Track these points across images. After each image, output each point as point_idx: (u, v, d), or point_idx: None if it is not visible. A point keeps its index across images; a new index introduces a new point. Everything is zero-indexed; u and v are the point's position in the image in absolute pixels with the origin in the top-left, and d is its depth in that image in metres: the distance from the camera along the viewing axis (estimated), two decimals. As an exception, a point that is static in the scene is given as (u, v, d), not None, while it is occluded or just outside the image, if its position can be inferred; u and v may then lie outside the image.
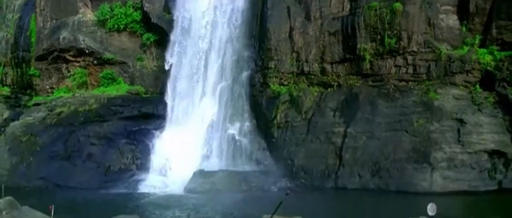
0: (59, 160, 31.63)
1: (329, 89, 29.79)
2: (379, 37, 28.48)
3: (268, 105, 30.06)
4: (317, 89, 30.01)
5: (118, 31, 35.95)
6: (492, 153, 25.30)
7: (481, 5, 28.07)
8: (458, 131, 25.69)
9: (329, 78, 29.79)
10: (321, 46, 29.78)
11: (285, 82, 30.33)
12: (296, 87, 30.07)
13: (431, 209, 12.95)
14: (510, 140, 25.54)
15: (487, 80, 27.35)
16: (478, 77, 27.63)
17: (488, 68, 27.27)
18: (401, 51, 28.12)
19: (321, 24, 29.92)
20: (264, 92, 30.49)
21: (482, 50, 27.82)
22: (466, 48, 28.04)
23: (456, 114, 26.20)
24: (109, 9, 35.87)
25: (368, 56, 28.60)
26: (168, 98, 32.80)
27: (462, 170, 24.91)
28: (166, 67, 33.53)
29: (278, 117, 29.42)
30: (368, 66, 28.78)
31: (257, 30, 31.56)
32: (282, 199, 12.20)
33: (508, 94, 26.25)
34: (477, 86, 27.40)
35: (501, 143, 25.44)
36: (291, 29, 30.10)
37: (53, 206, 14.53)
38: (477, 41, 28.05)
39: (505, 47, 27.46)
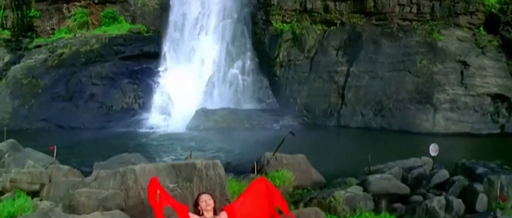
0: (61, 101, 31.19)
1: (332, 27, 29.25)
2: (382, -23, 27.92)
3: (270, 44, 29.59)
4: (320, 28, 29.45)
5: None
6: (495, 97, 25.18)
7: None
8: (462, 73, 25.51)
9: (332, 16, 29.16)
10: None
11: (288, 20, 29.71)
12: (299, 25, 29.50)
13: (433, 149, 12.84)
14: (514, 85, 25.36)
15: (491, 23, 26.94)
16: (482, 20, 27.22)
17: (493, 10, 26.80)
18: (407, -11, 27.61)
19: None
20: (266, 31, 29.95)
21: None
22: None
23: (460, 56, 25.93)
24: None
25: (372, -6, 28.01)
26: (170, 36, 32.05)
27: (465, 112, 24.81)
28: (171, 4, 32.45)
29: (280, 55, 29.03)
30: (372, 4, 28.22)
31: (260, -34, 30.69)
32: (284, 137, 12.11)
33: (512, 38, 25.92)
34: (481, 28, 27.01)
35: (505, 87, 25.29)
36: (290, -35, 29.39)
37: (55, 147, 14.44)
38: (481, -19, 27.44)
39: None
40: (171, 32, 32.08)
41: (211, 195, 7.98)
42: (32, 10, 36.40)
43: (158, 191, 7.12)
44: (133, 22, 35.03)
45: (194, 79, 29.92)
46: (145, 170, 9.45)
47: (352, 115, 26.20)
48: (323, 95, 27.41)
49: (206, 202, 7.65)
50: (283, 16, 29.74)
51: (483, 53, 26.00)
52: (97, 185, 9.92)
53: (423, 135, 23.24)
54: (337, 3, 29.11)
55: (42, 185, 11.69)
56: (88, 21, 35.50)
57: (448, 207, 10.65)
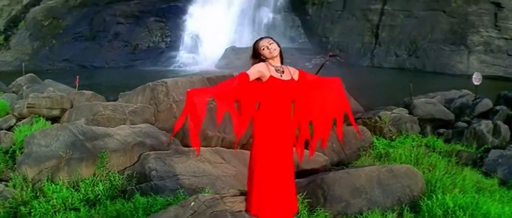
0: (83, 41, 30.60)
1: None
2: None
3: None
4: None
5: None
6: (530, 40, 24.27)
7: None
8: (495, 15, 24.43)
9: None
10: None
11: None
12: (333, -37, 28.29)
13: (476, 78, 12.76)
14: (549, 29, 24.31)
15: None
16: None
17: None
18: None
19: None
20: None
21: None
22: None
23: (494, -3, 24.83)
24: None
25: None
26: None
27: (499, 55, 23.94)
28: None
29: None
30: None
31: None
32: (325, 60, 11.47)
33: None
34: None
35: (541, 30, 24.30)
36: None
37: (78, 77, 14.01)
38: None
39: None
40: None
41: (272, 39, 6.17)
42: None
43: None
44: None
45: (223, 18, 28.95)
46: (178, 83, 8.98)
47: (386, 54, 25.48)
48: (357, 34, 26.64)
49: (268, 47, 5.94)
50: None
51: None
52: (124, 101, 9.49)
53: (457, 76, 22.47)
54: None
55: (63, 110, 10.95)
56: None
57: (496, 131, 10.43)
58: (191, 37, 29.11)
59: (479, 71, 22.99)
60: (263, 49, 5.95)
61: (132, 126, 7.93)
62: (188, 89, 5.19)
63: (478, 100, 12.20)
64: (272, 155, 5.80)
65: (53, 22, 31.71)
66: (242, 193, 6.11)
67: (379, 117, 10.14)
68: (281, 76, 5.85)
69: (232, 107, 5.62)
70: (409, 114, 11.09)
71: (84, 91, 12.26)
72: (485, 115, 11.64)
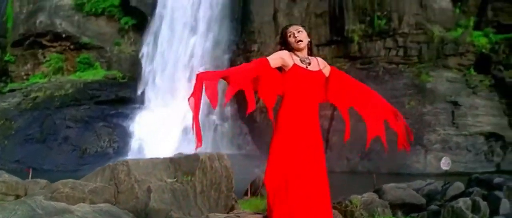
0: (34, 143, 29.78)
1: (316, 71, 26.79)
2: (368, 18, 25.96)
3: (250, 89, 27.11)
4: (302, 72, 27.00)
5: (96, 15, 33.55)
6: (489, 136, 23.02)
7: (476, -14, 25.81)
8: (452, 113, 23.33)
9: (315, 60, 26.84)
10: (306, 28, 26.95)
11: (269, 66, 27.37)
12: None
13: (445, 163, 12.59)
14: (508, 123, 23.24)
15: (482, 63, 24.89)
16: (472, 60, 25.19)
17: (483, 50, 24.87)
18: (391, 33, 25.63)
19: (307, 5, 27.29)
20: (246, 75, 27.52)
21: (477, 32, 25.43)
22: (460, 31, 25.60)
23: (450, 96, 23.82)
24: None
25: (356, 38, 26.06)
26: (147, 82, 30.63)
27: (458, 152, 22.53)
28: (144, 52, 31.42)
29: (260, 101, 26.35)
30: (357, 48, 26.21)
31: (240, 13, 29.05)
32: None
33: (505, 77, 23.76)
34: (472, 69, 24.95)
35: (498, 126, 23.19)
36: (276, 11, 27.46)
37: (30, 169, 12.49)
38: (471, 23, 25.64)
39: (501, 30, 25.04)
40: (148, 79, 30.68)
41: (302, 27, 5.43)
42: (7, 54, 34.85)
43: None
44: (109, 68, 33.45)
45: (171, 124, 27.86)
46: (139, 163, 8.53)
47: (337, 159, 23.50)
48: (305, 140, 24.65)
49: (295, 34, 5.17)
50: (263, 62, 27.34)
51: (474, 93, 23.90)
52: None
53: (414, 175, 20.75)
54: (320, 48, 27.06)
55: (18, 197, 9.51)
56: (63, 67, 33.97)
57: (475, 207, 9.79)
58: (138, 143, 28.06)
59: (438, 168, 21.32)
60: (290, 35, 5.33)
61: (92, 205, 7.18)
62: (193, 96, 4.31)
63: (448, 185, 11.61)
64: (299, 161, 4.92)
65: (6, 123, 31.31)
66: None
67: (350, 201, 9.35)
68: (307, 67, 5.18)
69: (248, 85, 4.79)
70: (379, 198, 10.32)
71: (39, 180, 10.98)
72: (458, 198, 10.64)
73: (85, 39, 33.26)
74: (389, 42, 25.74)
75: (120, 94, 31.20)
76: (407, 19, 25.58)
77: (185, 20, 29.86)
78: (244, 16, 28.34)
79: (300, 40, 4.90)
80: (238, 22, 28.95)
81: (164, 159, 8.75)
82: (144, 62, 31.41)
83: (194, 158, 8.27)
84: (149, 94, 30.23)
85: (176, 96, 28.99)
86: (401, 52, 25.71)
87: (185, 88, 28.81)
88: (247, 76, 4.88)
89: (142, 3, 32.13)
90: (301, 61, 5.14)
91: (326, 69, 5.10)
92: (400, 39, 25.55)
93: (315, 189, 4.90)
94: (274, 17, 27.45)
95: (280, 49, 5.33)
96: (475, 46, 25.03)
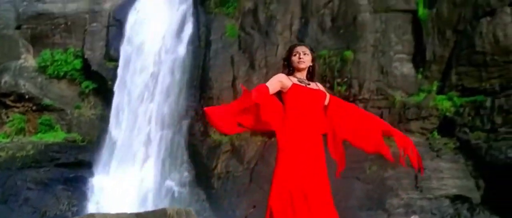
0: None
1: (273, 138, 25.58)
2: (328, 85, 25.09)
3: (208, 155, 26.42)
4: (261, 139, 26.24)
5: (58, 78, 33.17)
6: (455, 199, 21.84)
7: (439, 52, 25.15)
8: (416, 177, 22.09)
9: (273, 127, 26.09)
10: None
11: (227, 132, 26.57)
12: (238, 136, 26.29)
13: None
14: (475, 185, 22.11)
15: (446, 126, 24.06)
16: (435, 124, 24.35)
17: (447, 114, 24.23)
18: (351, 99, 24.63)
19: (266, 72, 26.50)
20: (204, 142, 26.89)
21: (440, 96, 24.69)
22: (422, 95, 24.99)
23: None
24: (51, 55, 33.17)
25: (316, 104, 25.39)
26: (106, 146, 29.85)
27: (422, 216, 21.03)
28: (103, 116, 31.06)
29: (218, 167, 25.75)
30: (316, 115, 25.43)
31: (199, 80, 28.51)
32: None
33: (470, 139, 22.88)
34: (435, 132, 24.10)
35: (465, 188, 22.04)
36: (234, 78, 26.85)
37: None
38: (434, 88, 25.05)
39: (466, 93, 24.35)
40: (108, 142, 29.82)
41: (309, 48, 5.88)
42: (-31, 114, 34.00)
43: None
44: (69, 131, 32.68)
45: (129, 189, 26.98)
46: (106, 217, 8.72)
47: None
48: (265, 206, 23.34)
49: (299, 54, 5.54)
50: (222, 128, 26.57)
51: (438, 156, 22.86)
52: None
53: None
54: (279, 114, 26.28)
55: None
56: (25, 127, 33.18)
57: None
58: (96, 207, 26.95)
59: (401, 233, 20.48)
60: (295, 54, 5.63)
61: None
62: None
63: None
64: (304, 179, 5.00)
65: (-32, 183, 29.87)
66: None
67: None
68: (306, 86, 5.43)
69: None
70: None
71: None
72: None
73: (47, 101, 32.73)
74: (349, 108, 25.12)
75: (80, 158, 30.57)
76: (367, 85, 25.02)
77: (145, 85, 29.32)
78: (203, 82, 27.71)
79: (302, 61, 4.77)
80: (197, 89, 28.31)
81: (131, 214, 8.75)
82: (103, 126, 30.78)
83: (162, 212, 8.28)
84: (108, 159, 29.37)
85: (134, 161, 28.12)
86: (361, 118, 25.01)
87: (142, 154, 28.18)
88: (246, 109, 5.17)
89: (103, 68, 31.80)
90: (299, 81, 5.43)
91: (326, 94, 5.00)
92: (360, 105, 24.47)
93: (321, 206, 5.15)
94: (233, 84, 26.80)
95: (283, 64, 5.77)
96: (439, 110, 24.21)
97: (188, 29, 29.21)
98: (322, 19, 26.48)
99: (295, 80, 5.60)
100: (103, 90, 31.70)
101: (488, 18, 23.92)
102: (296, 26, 27.04)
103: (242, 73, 27.01)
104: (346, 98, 24.76)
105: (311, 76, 5.92)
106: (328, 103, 5.73)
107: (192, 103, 28.47)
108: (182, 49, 29.04)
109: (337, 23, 26.31)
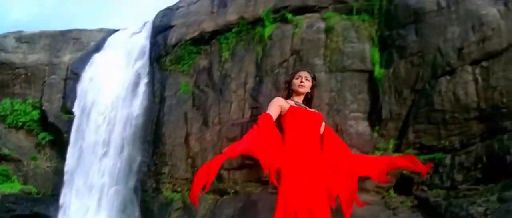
0: None
1: (225, 196, 25.47)
2: (284, 142, 25.42)
3: (160, 212, 25.84)
4: (212, 197, 25.62)
5: (16, 128, 33.09)
6: (414, 256, 21.34)
7: (396, 110, 24.91)
8: None
9: (225, 185, 25.46)
10: (218, 152, 26.20)
11: (179, 189, 26.18)
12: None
13: None
14: (435, 242, 21.79)
15: (403, 184, 23.92)
16: (392, 182, 24.20)
17: (404, 172, 24.13)
18: (306, 155, 25.00)
19: (220, 129, 26.36)
20: (156, 198, 26.39)
21: (397, 154, 24.71)
22: (378, 153, 24.77)
23: (361, 219, 22.68)
24: (10, 105, 33.18)
25: (268, 163, 25.33)
26: (60, 200, 29.52)
27: None
28: (58, 169, 30.87)
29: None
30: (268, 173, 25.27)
31: (153, 135, 28.22)
32: None
33: (429, 197, 22.67)
34: (391, 191, 23.86)
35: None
36: (188, 134, 26.57)
37: None
38: (390, 146, 24.83)
39: (424, 151, 24.00)
40: (61, 196, 29.38)
41: (311, 75, 6.17)
42: None
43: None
44: (25, 182, 32.27)
45: None
46: None
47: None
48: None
49: (301, 78, 5.90)
50: (174, 185, 26.20)
51: (394, 214, 22.36)
52: None
53: None
54: (231, 172, 25.56)
55: None
56: None
57: None
58: None
59: None
60: (297, 77, 5.91)
61: None
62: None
63: None
64: (307, 197, 5.19)
65: None
66: None
67: None
68: (304, 108, 5.63)
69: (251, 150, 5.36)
70: None
71: None
72: None
73: (5, 151, 32.43)
74: (302, 166, 25.10)
75: (35, 210, 30.31)
76: None
77: (99, 140, 29.13)
78: (157, 138, 27.40)
79: (303, 86, 5.21)
80: (151, 144, 28.00)
81: None
82: (57, 179, 30.48)
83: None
84: (62, 213, 28.97)
85: (87, 216, 27.68)
86: (319, 179, 25.00)
87: (95, 208, 27.79)
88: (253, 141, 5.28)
89: (59, 120, 31.66)
90: (297, 104, 6.40)
91: (323, 119, 5.30)
92: (314, 162, 24.91)
93: None
94: (186, 140, 26.57)
95: (284, 86, 6.06)
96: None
97: (143, 85, 29.17)
98: (276, 78, 26.40)
99: (292, 103, 5.90)
100: (59, 143, 31.52)
101: (448, 77, 24.10)
102: (250, 84, 26.91)
103: (195, 129, 26.78)
104: (301, 154, 24.91)
105: (307, 102, 6.07)
106: (323, 133, 5.85)
107: (145, 159, 28.06)
108: (136, 105, 28.94)
109: (291, 83, 26.29)
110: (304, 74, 6.22)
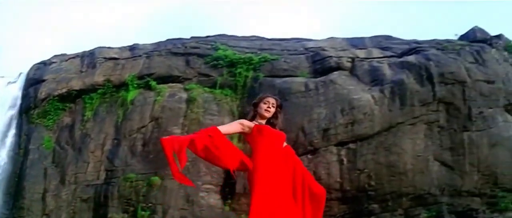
0: None
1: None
2: (132, 208, 24.79)
3: None
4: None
5: None
6: None
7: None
8: None
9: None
10: (72, 211, 25.60)
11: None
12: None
13: None
14: None
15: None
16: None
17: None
18: (154, 225, 24.53)
19: (75, 189, 26.10)
20: (14, 251, 25.96)
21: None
22: (228, 230, 24.73)
23: None
24: None
25: (119, 227, 24.92)
26: None
27: None
28: None
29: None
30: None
31: (14, 188, 27.69)
32: None
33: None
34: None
35: None
36: (45, 190, 26.20)
37: None
38: (244, 217, 24.89)
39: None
40: None
41: (278, 103, 6.56)
42: None
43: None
44: None
45: None
46: None
47: None
48: None
49: (268, 104, 6.28)
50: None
51: None
52: None
53: None
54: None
55: None
56: None
57: None
58: None
59: None
60: (265, 102, 6.19)
61: None
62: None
63: None
64: (279, 200, 5.46)
65: None
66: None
67: None
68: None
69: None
70: None
71: None
72: None
73: None
74: (149, 235, 24.45)
75: None
76: (172, 212, 24.49)
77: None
78: (18, 191, 26.97)
79: (268, 111, 6.01)
80: (11, 197, 27.62)
81: None
82: None
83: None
84: None
85: None
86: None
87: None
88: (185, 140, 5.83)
89: None
90: (260, 124, 5.98)
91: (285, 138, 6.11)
92: (162, 230, 24.46)
93: None
94: (43, 197, 26.24)
95: (251, 109, 6.24)
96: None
97: (12, 135, 28.84)
98: (133, 142, 26.23)
99: (256, 123, 6.17)
100: None
101: (309, 156, 23.87)
102: (108, 146, 26.65)
103: (53, 187, 26.37)
104: (149, 224, 24.53)
105: (271, 126, 6.50)
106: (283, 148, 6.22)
107: (5, 212, 27.61)
108: (3, 155, 28.64)
109: (148, 148, 25.95)
110: (271, 100, 6.50)
